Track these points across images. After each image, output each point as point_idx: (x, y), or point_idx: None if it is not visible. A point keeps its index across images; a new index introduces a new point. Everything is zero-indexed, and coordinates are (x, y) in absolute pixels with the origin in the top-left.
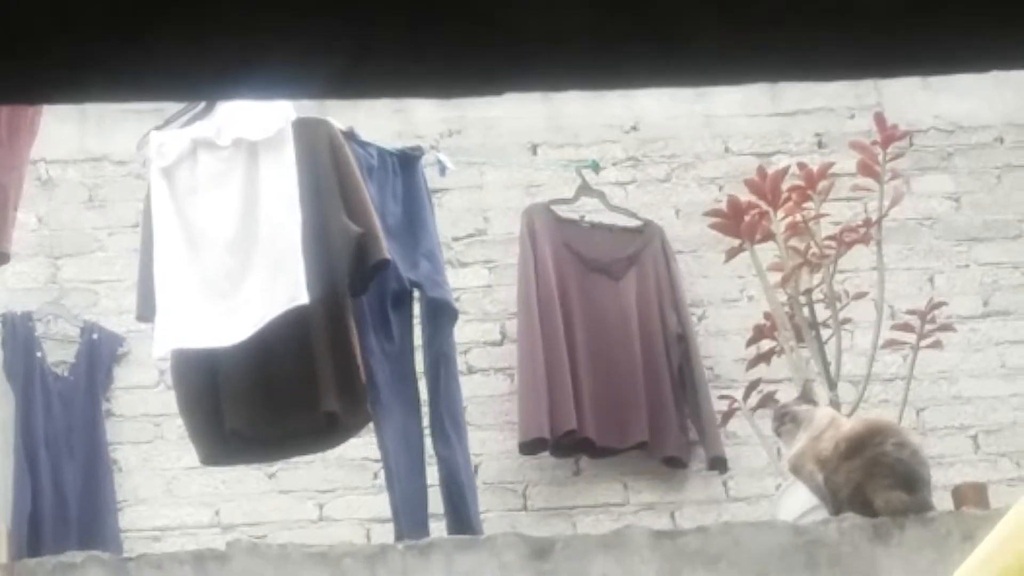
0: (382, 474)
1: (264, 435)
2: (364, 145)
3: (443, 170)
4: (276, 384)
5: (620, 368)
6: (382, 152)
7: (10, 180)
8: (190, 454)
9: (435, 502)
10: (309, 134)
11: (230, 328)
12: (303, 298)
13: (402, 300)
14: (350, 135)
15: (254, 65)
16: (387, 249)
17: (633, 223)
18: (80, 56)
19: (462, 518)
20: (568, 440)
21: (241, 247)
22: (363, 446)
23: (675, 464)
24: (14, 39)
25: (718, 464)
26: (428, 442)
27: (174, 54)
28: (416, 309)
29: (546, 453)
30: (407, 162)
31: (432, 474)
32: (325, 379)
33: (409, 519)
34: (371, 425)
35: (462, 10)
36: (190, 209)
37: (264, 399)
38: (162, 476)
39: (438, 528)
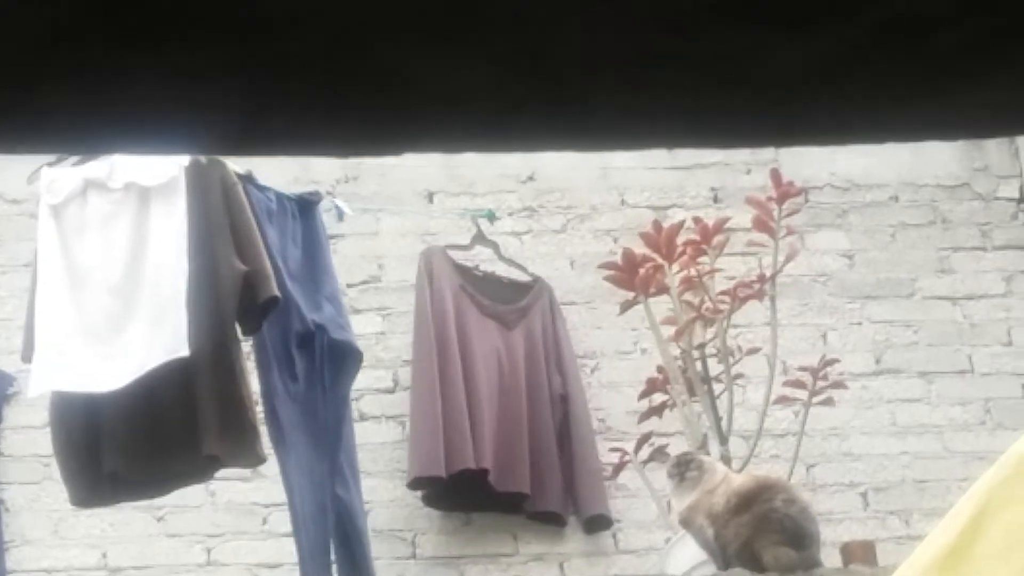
0: (271, 519)
1: (143, 478)
2: (263, 189)
3: (341, 215)
4: (157, 427)
5: (509, 415)
6: (280, 197)
7: None
8: None
9: None
10: (202, 177)
11: (108, 374)
12: (184, 350)
13: (307, 341)
14: (248, 178)
15: (148, 120)
16: (276, 287)
17: (524, 278)
18: None
19: (358, 563)
20: (461, 480)
21: (125, 292)
22: (252, 491)
23: (553, 520)
24: None
25: (595, 524)
26: None
27: (66, 107)
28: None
29: (416, 499)
30: (306, 207)
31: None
32: (206, 422)
33: (315, 563)
34: (262, 468)
35: (360, 69)
36: (76, 249)
37: (144, 442)
38: (50, 517)
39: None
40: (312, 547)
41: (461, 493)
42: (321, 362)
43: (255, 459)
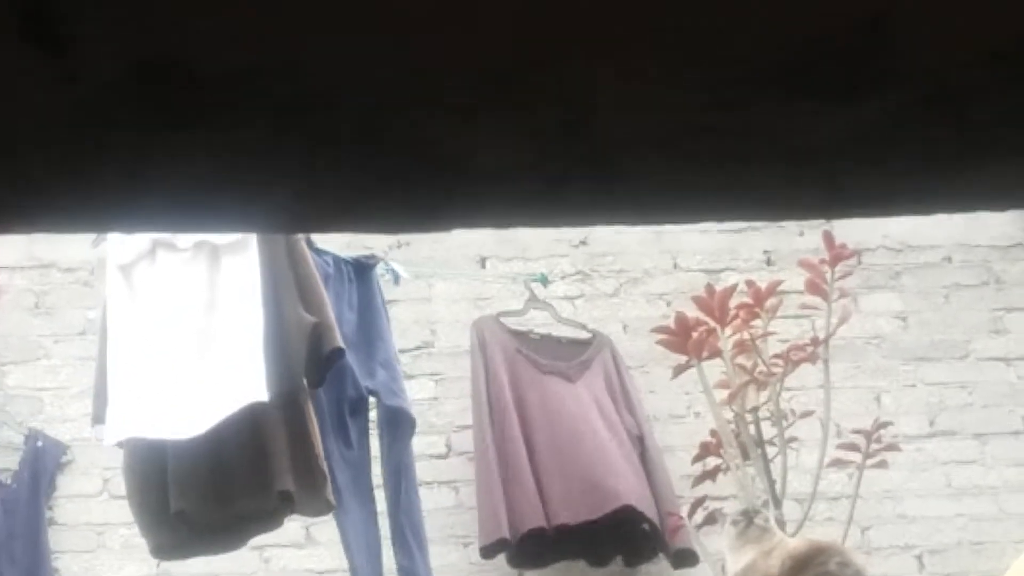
0: None
1: (212, 519)
2: (320, 253)
3: (397, 279)
4: (227, 468)
5: (588, 450)
6: (338, 260)
7: None
8: (132, 563)
9: None
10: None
11: (185, 421)
12: (262, 395)
13: (359, 407)
14: (306, 241)
15: (197, 200)
16: (340, 339)
17: (582, 335)
18: (26, 186)
19: None
20: (535, 539)
21: (200, 345)
22: (305, 558)
23: (641, 553)
24: None
25: (683, 558)
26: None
27: (118, 188)
28: (373, 417)
29: (496, 560)
30: (362, 270)
31: None
32: (280, 461)
33: None
34: (315, 534)
35: (407, 147)
36: (148, 306)
37: (213, 481)
38: None
39: None
40: None
41: (553, 550)
42: (378, 430)
43: (325, 504)
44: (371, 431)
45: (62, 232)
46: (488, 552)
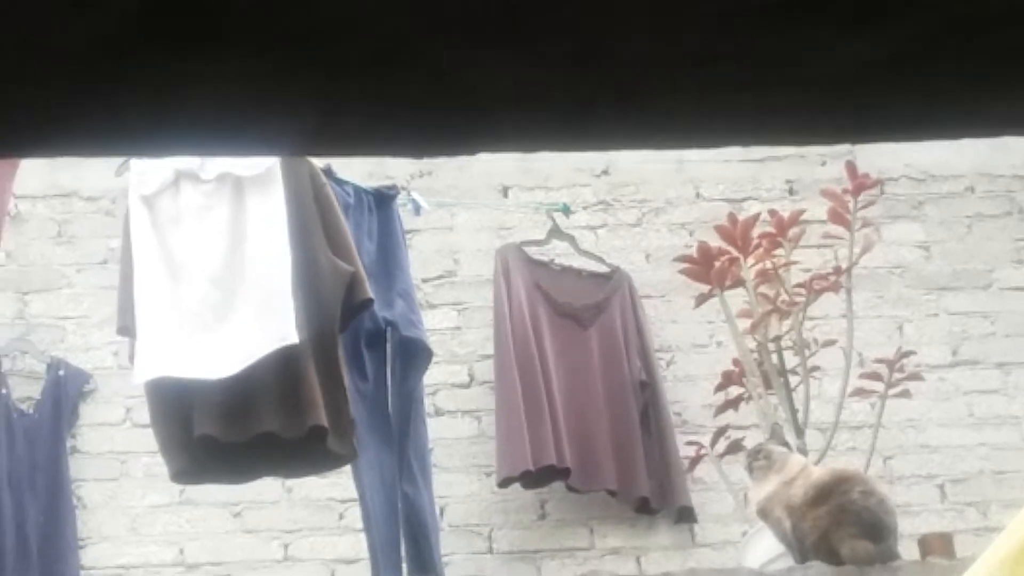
0: (347, 514)
1: (235, 439)
2: (341, 183)
3: (418, 209)
4: (257, 394)
5: (587, 415)
6: (358, 190)
7: None
8: (155, 492)
9: None
10: (293, 172)
11: (215, 361)
12: (293, 338)
13: (376, 339)
14: (328, 172)
15: (223, 123)
16: (369, 289)
17: (602, 269)
18: (50, 112)
19: (424, 559)
20: (544, 473)
21: (227, 281)
22: (328, 486)
23: (646, 509)
24: None
25: (685, 515)
26: None
27: (143, 111)
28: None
29: (515, 489)
30: (383, 201)
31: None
32: (313, 398)
33: (386, 559)
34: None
35: (433, 71)
36: (172, 239)
37: (238, 405)
38: (127, 514)
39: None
40: (383, 544)
41: (553, 479)
42: (392, 360)
43: (351, 450)
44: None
45: (86, 156)
46: (507, 483)
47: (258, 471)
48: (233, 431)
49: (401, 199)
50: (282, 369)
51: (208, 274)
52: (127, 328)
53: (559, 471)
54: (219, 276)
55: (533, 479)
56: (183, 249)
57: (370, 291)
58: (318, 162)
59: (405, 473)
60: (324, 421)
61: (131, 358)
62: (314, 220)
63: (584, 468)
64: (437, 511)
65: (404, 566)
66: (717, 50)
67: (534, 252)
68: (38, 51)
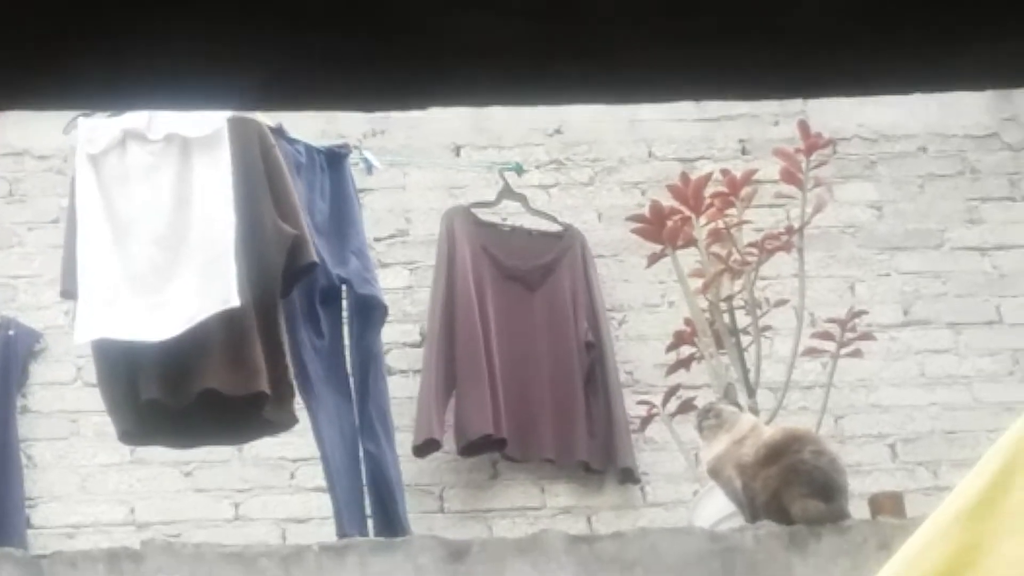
0: (298, 474)
1: (179, 400)
2: (292, 142)
3: (370, 168)
4: (199, 356)
5: (528, 382)
6: (310, 149)
7: None
8: (106, 451)
9: None
10: (241, 133)
11: (157, 323)
12: (235, 301)
13: (331, 296)
14: (279, 131)
15: (174, 77)
16: (315, 252)
17: (554, 228)
18: (4, 66)
19: (391, 516)
20: (482, 442)
21: (171, 243)
22: (279, 445)
23: (588, 471)
24: None
25: (627, 475)
26: None
27: (94, 65)
28: (345, 307)
29: (445, 454)
30: (335, 160)
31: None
32: (256, 362)
33: (350, 515)
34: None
35: (383, 23)
36: (118, 199)
37: (182, 366)
38: (77, 473)
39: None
40: (347, 499)
41: (490, 450)
42: (349, 318)
43: (290, 417)
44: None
45: (38, 109)
46: (421, 451)
47: (201, 437)
48: (177, 393)
49: (353, 158)
50: (225, 331)
51: (153, 235)
52: (70, 292)
53: (496, 441)
54: (163, 237)
55: (470, 447)
56: (128, 209)
57: (315, 254)
58: (269, 121)
59: (366, 431)
60: (266, 387)
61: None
62: (261, 182)
63: (522, 437)
64: (399, 467)
65: (370, 523)
66: (678, 1)
67: (483, 213)
68: None
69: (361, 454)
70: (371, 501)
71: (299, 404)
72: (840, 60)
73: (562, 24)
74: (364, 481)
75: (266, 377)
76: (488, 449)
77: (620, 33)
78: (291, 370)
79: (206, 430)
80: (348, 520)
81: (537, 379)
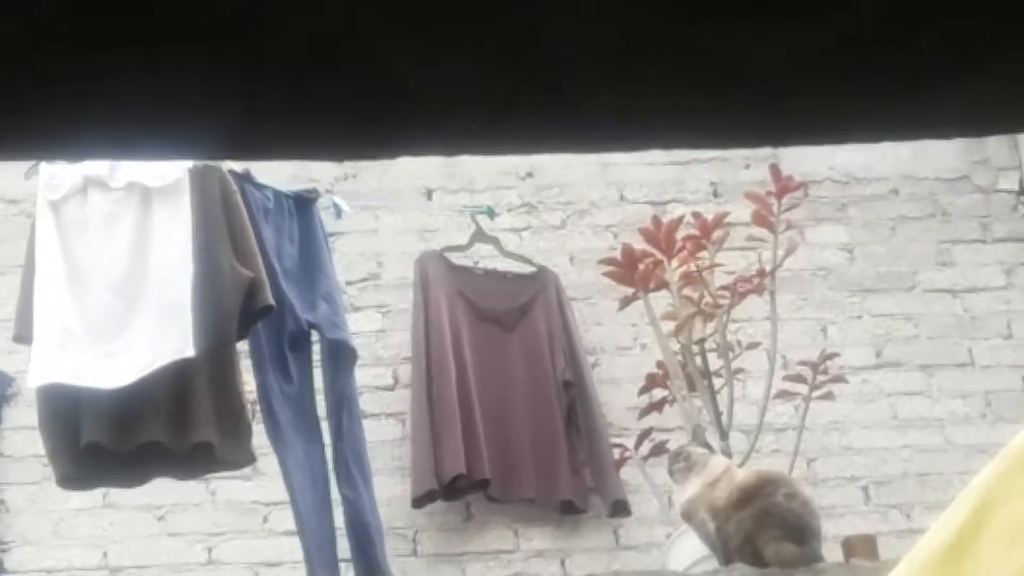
0: (271, 518)
1: (121, 449)
2: (260, 188)
3: (339, 213)
4: (144, 408)
5: (508, 423)
6: (278, 194)
7: None
8: (79, 495)
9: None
10: (203, 180)
11: (110, 371)
12: (189, 351)
13: (300, 341)
14: (246, 176)
15: (139, 126)
16: (271, 296)
17: (527, 269)
18: None
19: (370, 560)
20: (462, 483)
21: (128, 291)
22: (253, 489)
23: (571, 510)
24: None
25: (619, 508)
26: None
27: (52, 113)
28: (316, 351)
29: (438, 501)
30: (303, 204)
31: (339, 517)
32: (201, 412)
33: (320, 559)
34: (263, 467)
35: (352, 74)
36: (77, 245)
37: (127, 416)
38: (50, 517)
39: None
40: (317, 544)
41: (474, 491)
42: (322, 363)
43: (247, 456)
44: (316, 364)
45: (3, 159)
46: (419, 503)
47: (148, 474)
48: (120, 440)
49: (323, 202)
50: (173, 382)
51: (109, 283)
52: (23, 336)
53: (478, 482)
54: (120, 286)
55: (452, 491)
56: (87, 256)
57: (270, 298)
58: (236, 166)
59: (343, 475)
60: (211, 437)
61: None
62: (220, 227)
63: (503, 478)
64: (378, 511)
65: (352, 569)
66: (643, 45)
67: (456, 257)
68: None
69: (338, 498)
70: (351, 546)
71: (268, 449)
72: (808, 109)
73: (528, 74)
74: (344, 525)
75: (213, 426)
76: (470, 491)
77: (582, 79)
78: (248, 410)
79: (153, 471)
80: (319, 565)
81: (517, 419)
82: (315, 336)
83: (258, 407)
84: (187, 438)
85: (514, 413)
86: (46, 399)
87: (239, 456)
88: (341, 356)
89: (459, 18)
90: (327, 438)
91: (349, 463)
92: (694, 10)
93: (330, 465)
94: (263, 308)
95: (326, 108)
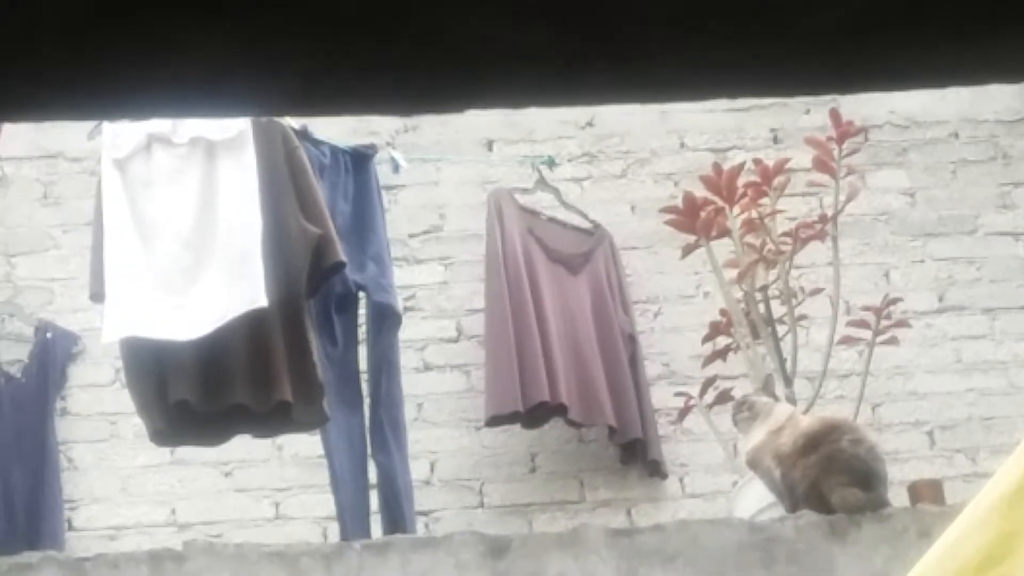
0: None
1: (210, 409)
2: (317, 143)
3: (396, 168)
4: (226, 365)
5: (583, 358)
6: (335, 150)
7: None
8: (146, 452)
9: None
10: (265, 135)
11: (184, 323)
12: (262, 301)
13: (347, 303)
14: (303, 133)
15: (210, 84)
16: (341, 251)
17: (584, 224)
18: (39, 77)
19: (397, 523)
20: (539, 412)
21: (197, 244)
22: (319, 444)
23: (632, 453)
24: None
25: (655, 468)
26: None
27: (129, 75)
28: (361, 311)
29: (505, 442)
30: (360, 160)
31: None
32: (279, 369)
33: (352, 520)
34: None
35: (421, 30)
36: (143, 202)
37: (211, 375)
38: (118, 475)
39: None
40: (350, 506)
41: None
42: (366, 324)
43: (321, 416)
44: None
45: (73, 119)
46: (496, 421)
47: (231, 433)
48: (207, 400)
49: (381, 156)
50: (250, 339)
51: (178, 237)
52: (99, 294)
53: (555, 407)
54: (189, 239)
55: (530, 418)
56: (154, 212)
57: (341, 254)
58: (294, 122)
59: (377, 441)
60: (289, 396)
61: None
62: (285, 183)
63: (584, 404)
64: (427, 467)
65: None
66: (712, 7)
67: (523, 200)
68: (30, 18)
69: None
70: (380, 505)
71: None
72: (871, 56)
73: (592, 27)
74: (367, 485)
75: (289, 386)
76: (548, 417)
77: (647, 34)
78: (319, 368)
79: (235, 430)
80: (351, 526)
81: (591, 356)
82: (361, 296)
83: None
84: (268, 397)
85: (587, 350)
86: (131, 355)
87: (312, 416)
88: (386, 319)
89: None
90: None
91: (384, 427)
92: None
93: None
94: (333, 265)
95: (393, 64)
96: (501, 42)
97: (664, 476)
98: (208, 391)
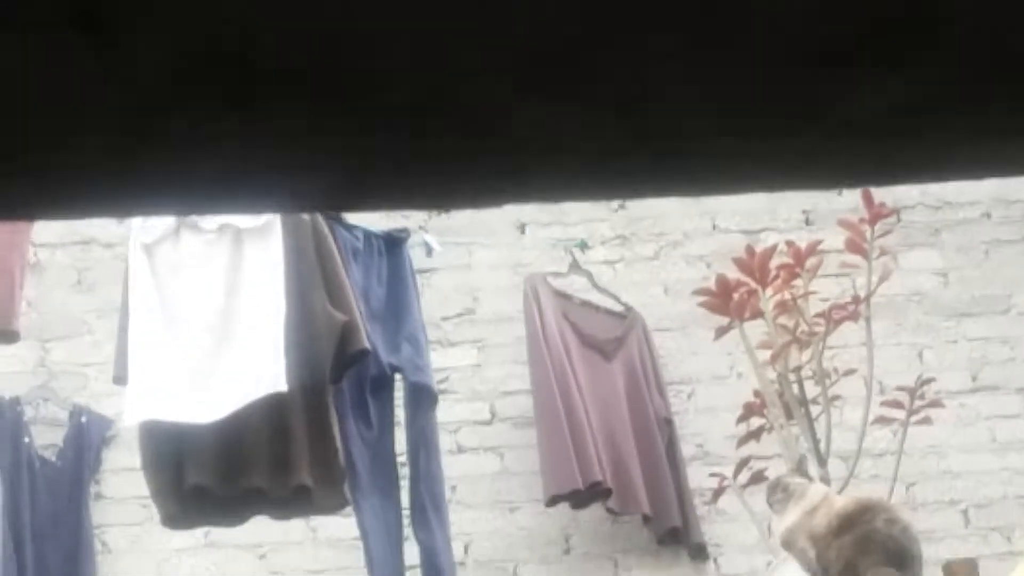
0: None
1: (226, 493)
2: (350, 228)
3: (429, 251)
4: (244, 449)
5: (619, 443)
6: (368, 234)
7: (14, 260)
8: (180, 536)
9: None
10: (294, 221)
11: (205, 406)
12: (282, 385)
13: (382, 385)
14: (336, 218)
15: (248, 182)
16: (367, 339)
17: (617, 307)
18: (76, 177)
19: None
20: (590, 491)
21: (221, 329)
22: (352, 526)
23: (671, 538)
24: (14, 162)
25: (699, 552)
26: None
27: (171, 172)
28: (399, 391)
29: (540, 523)
30: (393, 244)
31: (414, 556)
32: (299, 453)
33: None
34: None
35: (464, 125)
36: (170, 286)
37: (229, 459)
38: (153, 558)
39: None
40: None
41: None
42: (404, 405)
43: (341, 500)
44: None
45: (116, 216)
46: (555, 501)
47: (247, 515)
48: (224, 484)
49: (414, 240)
50: (270, 423)
51: (203, 322)
52: (122, 377)
53: (601, 491)
54: (213, 324)
55: (578, 498)
56: (180, 297)
57: (366, 341)
58: None
59: (418, 517)
60: (308, 481)
61: None
62: (313, 270)
63: (620, 492)
64: (461, 549)
65: None
66: (746, 97)
67: (557, 284)
68: (71, 118)
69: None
70: None
71: None
72: (906, 150)
73: (634, 121)
74: (403, 567)
75: (308, 470)
76: (592, 500)
77: (684, 128)
78: (341, 454)
79: (252, 512)
80: None
81: (626, 443)
82: (398, 377)
83: None
84: (287, 483)
85: (622, 438)
86: (148, 439)
87: (333, 501)
88: (423, 398)
89: (567, 76)
90: (403, 479)
91: (426, 504)
92: (796, 67)
93: (405, 503)
94: (357, 352)
95: (430, 160)
96: (543, 136)
97: (707, 558)
98: (226, 475)
